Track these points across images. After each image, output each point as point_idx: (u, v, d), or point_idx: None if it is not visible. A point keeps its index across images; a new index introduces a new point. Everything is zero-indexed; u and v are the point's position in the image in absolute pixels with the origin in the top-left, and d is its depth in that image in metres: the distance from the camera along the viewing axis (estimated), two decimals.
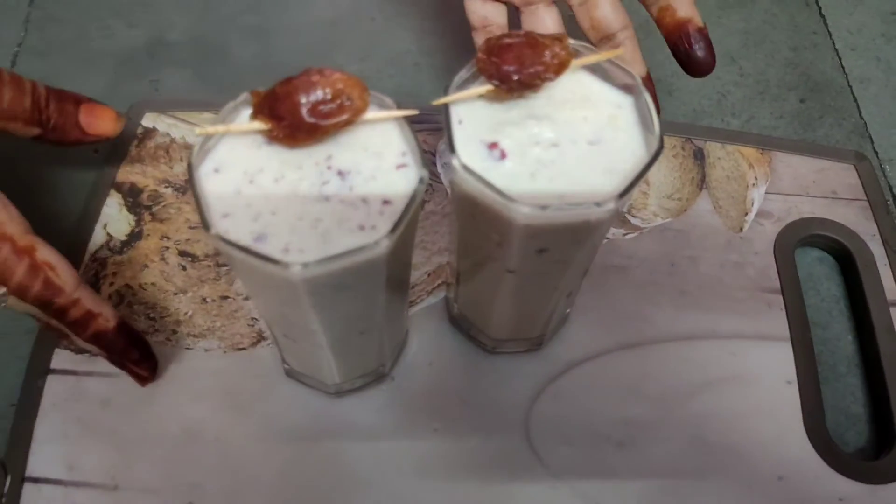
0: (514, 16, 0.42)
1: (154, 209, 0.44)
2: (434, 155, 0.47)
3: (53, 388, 0.38)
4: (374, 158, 0.29)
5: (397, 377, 0.40)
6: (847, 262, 0.46)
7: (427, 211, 0.45)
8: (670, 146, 0.49)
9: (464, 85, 0.31)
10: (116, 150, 0.46)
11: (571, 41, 0.30)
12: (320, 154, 0.29)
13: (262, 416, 0.38)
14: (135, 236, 0.43)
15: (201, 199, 0.27)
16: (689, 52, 0.30)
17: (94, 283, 0.41)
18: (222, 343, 0.40)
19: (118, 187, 0.45)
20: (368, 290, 0.30)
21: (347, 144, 0.29)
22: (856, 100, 0.54)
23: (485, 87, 0.30)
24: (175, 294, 0.42)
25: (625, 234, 0.45)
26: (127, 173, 0.45)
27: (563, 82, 0.31)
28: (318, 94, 0.27)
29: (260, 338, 0.41)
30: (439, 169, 0.47)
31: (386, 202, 0.28)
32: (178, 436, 0.38)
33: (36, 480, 0.36)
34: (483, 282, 0.36)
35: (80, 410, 0.38)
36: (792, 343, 0.42)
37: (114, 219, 0.44)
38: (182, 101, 0.49)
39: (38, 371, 0.39)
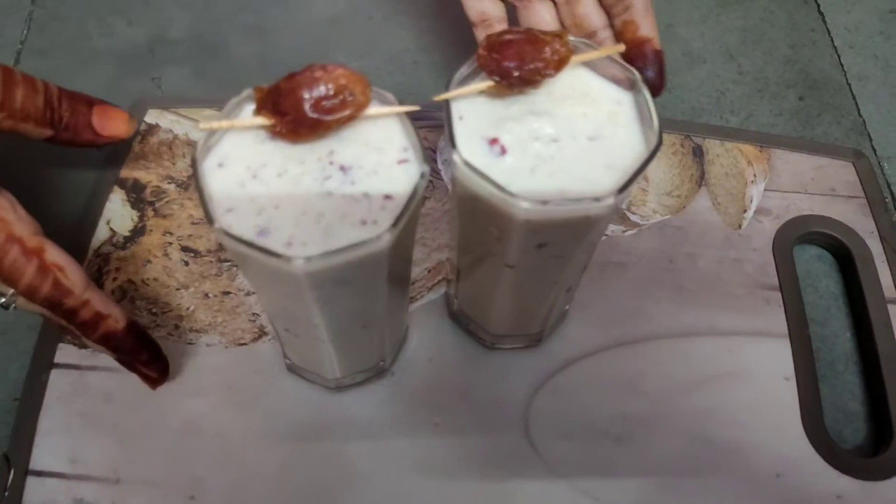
0: (514, 13, 0.42)
1: (157, 205, 0.45)
2: (434, 151, 0.48)
3: (57, 382, 0.39)
4: (376, 154, 0.29)
5: (397, 372, 0.40)
6: (845, 259, 0.46)
7: (427, 208, 0.45)
8: (669, 143, 0.49)
9: (464, 81, 0.31)
10: (119, 146, 0.46)
11: (571, 38, 0.31)
12: (323, 149, 0.29)
13: (263, 410, 0.39)
14: (138, 232, 0.44)
15: (205, 193, 0.27)
16: (642, 73, 0.31)
17: (97, 279, 0.42)
18: (224, 338, 0.41)
19: (121, 183, 0.45)
20: (370, 284, 0.30)
21: (349, 140, 0.29)
22: (854, 97, 0.54)
23: (485, 83, 0.30)
24: (177, 289, 0.42)
25: (624, 231, 0.46)
26: (130, 169, 0.46)
27: (563, 78, 0.31)
28: (321, 90, 0.28)
29: (261, 333, 0.41)
30: (440, 166, 0.47)
31: (387, 197, 0.28)
32: (179, 430, 0.38)
33: (39, 473, 0.36)
34: (483, 277, 0.36)
35: (83, 404, 0.38)
36: (790, 340, 0.42)
37: (117, 214, 0.44)
38: (184, 97, 0.50)
39: (41, 366, 0.39)
